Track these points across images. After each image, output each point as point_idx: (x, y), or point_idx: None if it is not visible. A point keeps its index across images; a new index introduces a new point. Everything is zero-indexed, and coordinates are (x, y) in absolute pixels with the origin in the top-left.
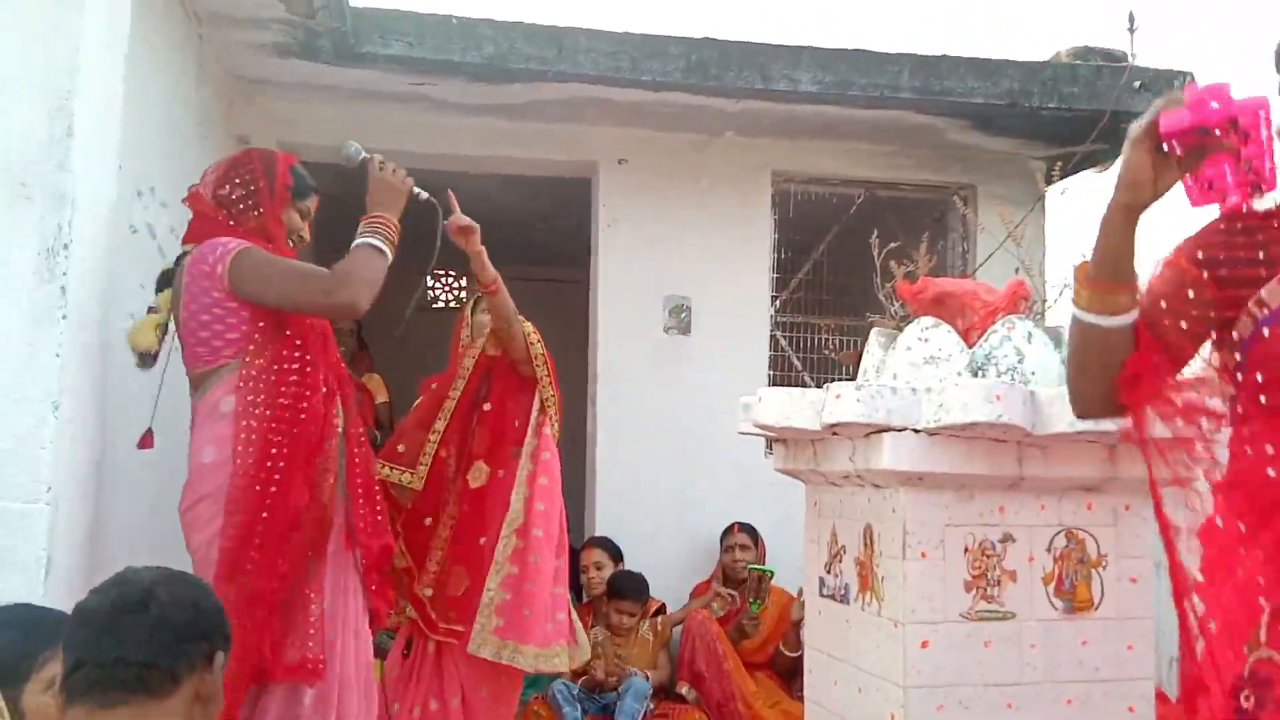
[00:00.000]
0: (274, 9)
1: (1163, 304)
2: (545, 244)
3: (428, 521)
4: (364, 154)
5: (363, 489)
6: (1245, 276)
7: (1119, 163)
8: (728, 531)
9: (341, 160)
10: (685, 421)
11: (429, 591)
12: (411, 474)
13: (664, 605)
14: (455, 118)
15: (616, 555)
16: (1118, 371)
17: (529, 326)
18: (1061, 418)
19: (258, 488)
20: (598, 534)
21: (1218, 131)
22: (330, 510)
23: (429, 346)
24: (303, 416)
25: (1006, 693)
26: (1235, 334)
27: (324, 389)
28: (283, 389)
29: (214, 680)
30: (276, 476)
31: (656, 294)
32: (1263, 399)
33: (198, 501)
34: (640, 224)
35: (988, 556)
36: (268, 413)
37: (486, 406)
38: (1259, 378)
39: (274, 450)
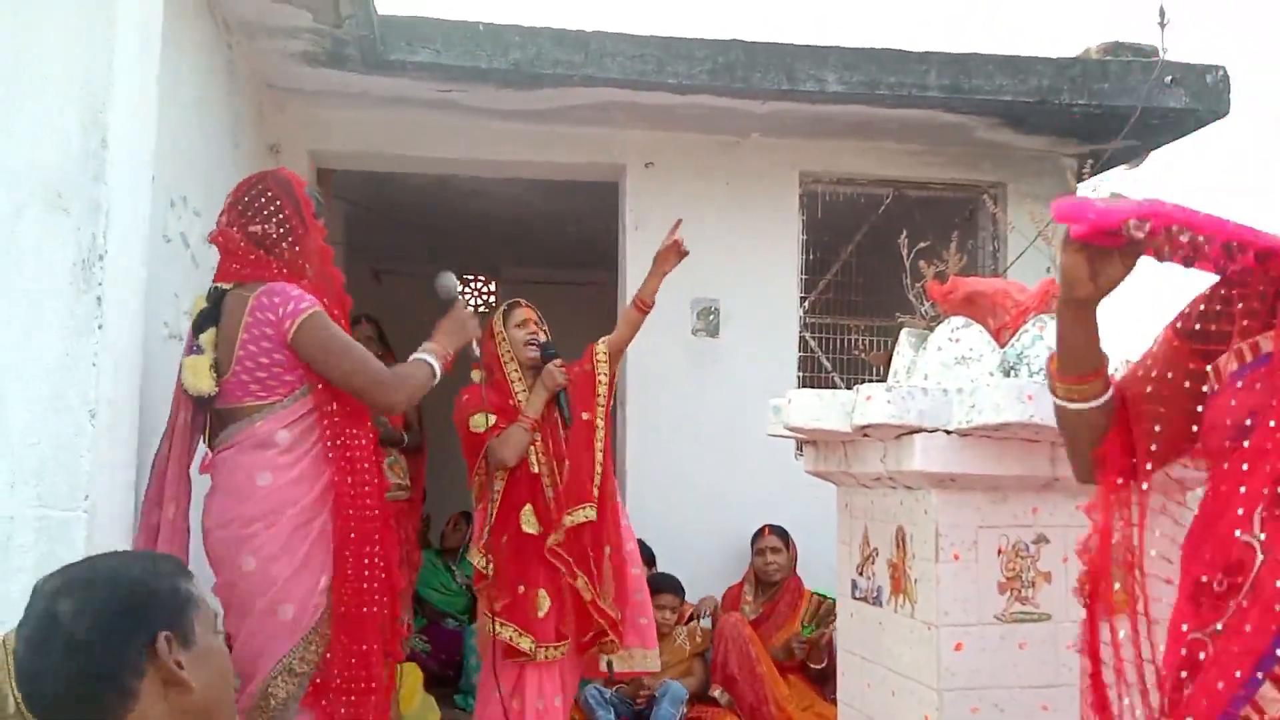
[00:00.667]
0: (303, 18)
1: (1148, 376)
2: (574, 247)
3: (607, 550)
4: (457, 293)
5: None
6: (1219, 346)
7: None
8: (759, 534)
9: (436, 289)
10: (715, 424)
11: (617, 613)
12: (591, 506)
13: (698, 610)
14: (483, 122)
15: (649, 558)
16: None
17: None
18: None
19: (362, 511)
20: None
21: (1134, 229)
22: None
23: None
24: (363, 442)
25: (1041, 695)
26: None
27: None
28: (339, 421)
29: (169, 665)
30: (370, 498)
31: (685, 296)
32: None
33: (251, 521)
34: (668, 226)
35: (1021, 558)
36: (338, 442)
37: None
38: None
39: (365, 475)
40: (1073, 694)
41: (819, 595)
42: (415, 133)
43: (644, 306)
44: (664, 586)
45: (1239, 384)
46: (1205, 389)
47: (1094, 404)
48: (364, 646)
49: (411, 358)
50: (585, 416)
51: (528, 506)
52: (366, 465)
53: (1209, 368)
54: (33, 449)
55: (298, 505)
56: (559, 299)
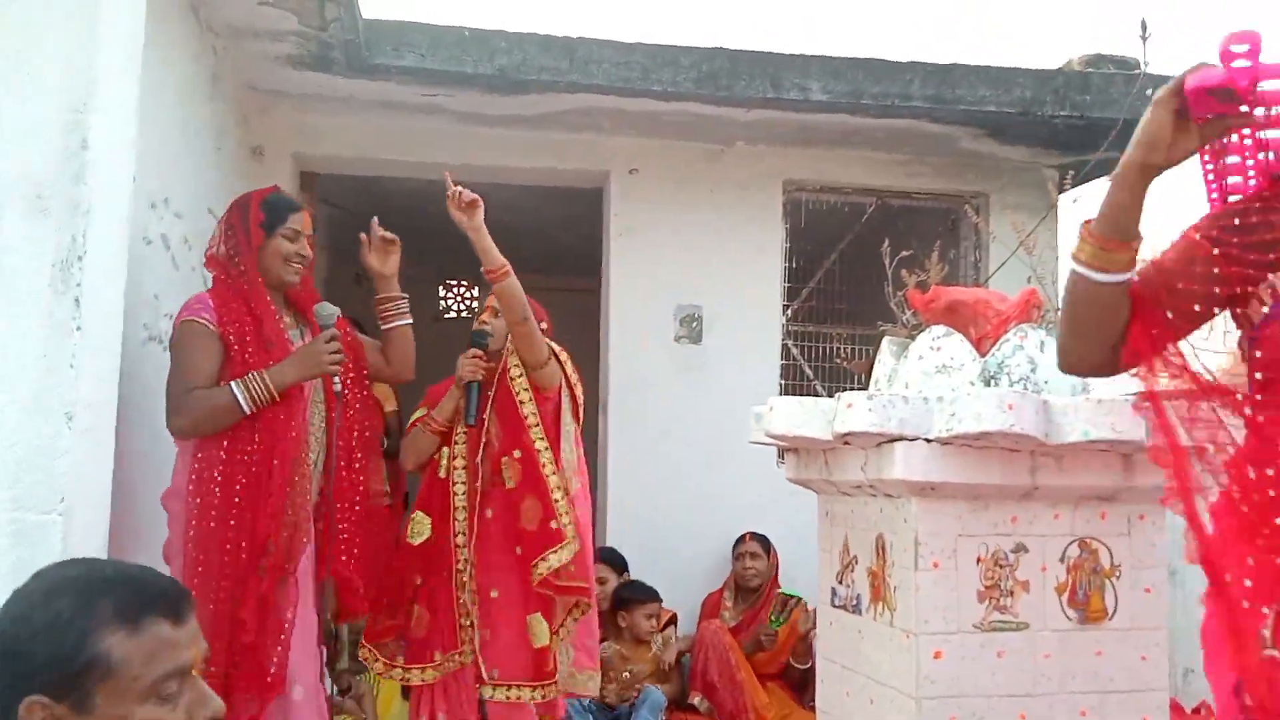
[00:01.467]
0: (288, 21)
1: (1168, 275)
2: (558, 253)
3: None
4: (330, 322)
5: (345, 503)
6: (1256, 258)
7: (1141, 122)
8: (739, 540)
9: (315, 315)
10: (697, 430)
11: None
12: (564, 546)
13: (675, 615)
14: (468, 127)
15: (620, 567)
16: (1109, 331)
17: (565, 356)
18: (1075, 427)
19: (216, 524)
20: (607, 544)
21: (1241, 99)
22: (301, 533)
23: (437, 356)
24: (261, 449)
25: (1020, 704)
26: (1249, 316)
27: (294, 422)
28: (240, 432)
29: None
30: (235, 514)
31: (668, 303)
32: (1266, 381)
33: (167, 500)
34: (652, 233)
35: (1000, 567)
36: (222, 455)
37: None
38: (1267, 361)
39: (237, 487)
40: (1050, 702)
41: (784, 593)
42: (400, 137)
43: (492, 276)
44: (647, 595)
45: None
46: (1251, 302)
47: (1116, 277)
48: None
49: (234, 382)
50: (517, 455)
51: (418, 513)
52: (220, 489)
53: (1262, 286)
54: (9, 451)
55: (186, 506)
56: (543, 304)
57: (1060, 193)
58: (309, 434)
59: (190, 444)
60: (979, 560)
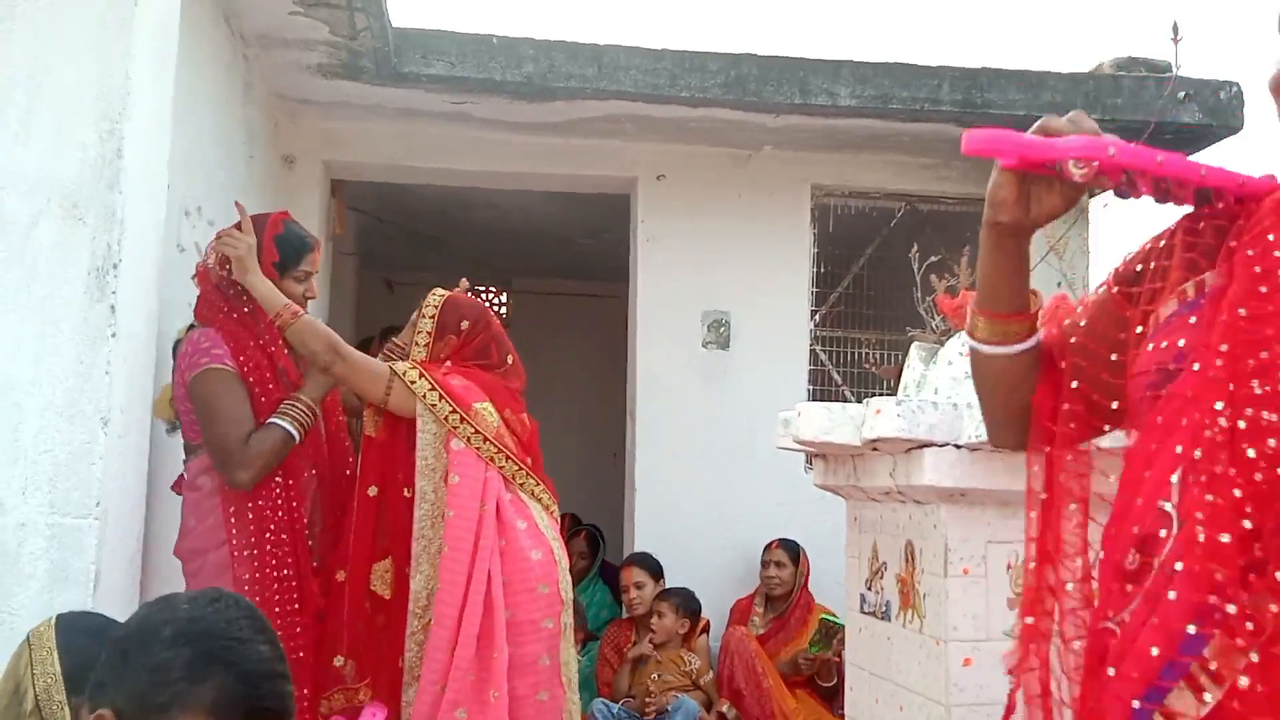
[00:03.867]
0: (318, 30)
1: (1075, 325)
2: (586, 259)
3: None
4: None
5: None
6: (1147, 292)
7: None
8: (767, 547)
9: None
10: (725, 436)
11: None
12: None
13: (708, 623)
14: (497, 134)
15: (657, 572)
16: (1019, 404)
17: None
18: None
19: (260, 573)
20: (637, 550)
21: (1074, 169)
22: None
23: None
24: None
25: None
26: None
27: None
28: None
29: None
30: (277, 560)
31: (695, 309)
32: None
33: (187, 557)
34: (679, 239)
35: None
36: (230, 507)
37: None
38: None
39: (269, 530)
40: None
41: (828, 619)
42: (429, 144)
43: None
44: (670, 594)
45: (1173, 322)
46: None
47: (1015, 348)
48: None
49: (269, 420)
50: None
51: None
52: (268, 534)
53: (1149, 318)
54: (46, 455)
55: (215, 552)
56: (570, 310)
57: (1090, 197)
58: (323, 449)
59: (210, 498)
60: (1009, 567)
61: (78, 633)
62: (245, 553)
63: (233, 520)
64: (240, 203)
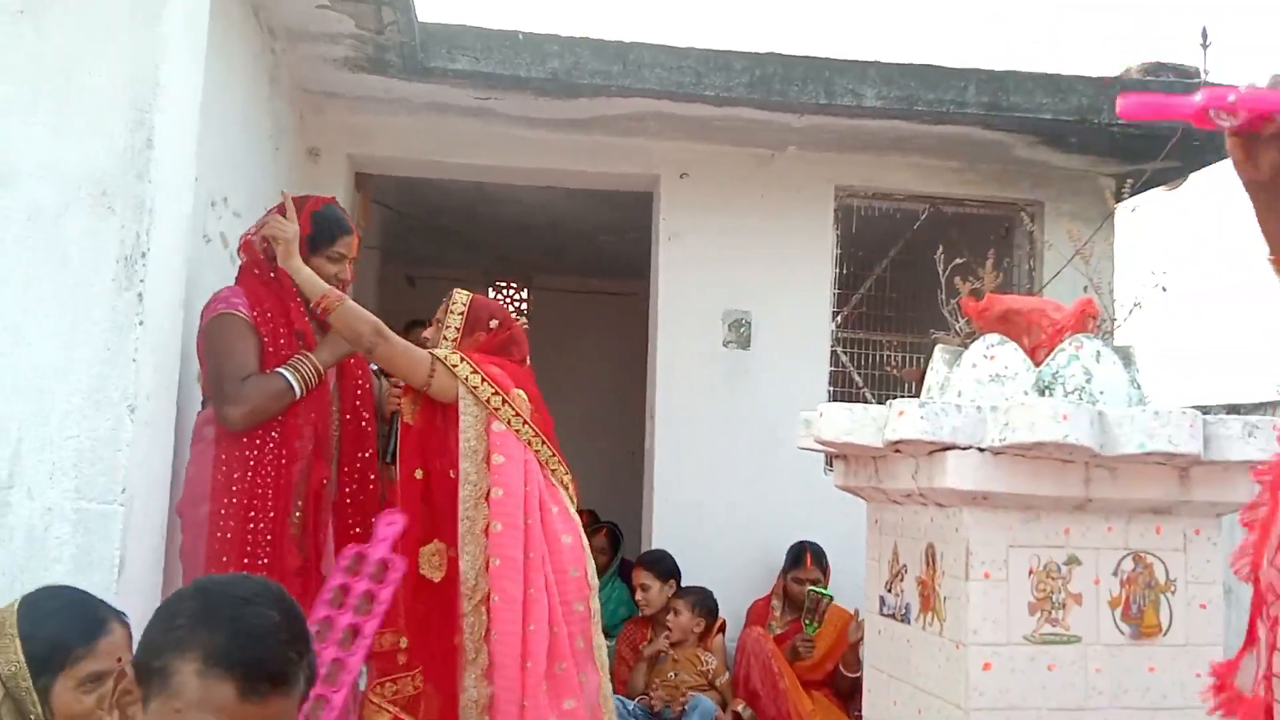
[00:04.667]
0: (345, 24)
1: None
2: (607, 256)
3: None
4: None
5: (353, 499)
6: None
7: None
8: (799, 556)
9: None
10: (745, 436)
11: None
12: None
13: (724, 622)
14: (520, 130)
15: (665, 574)
16: None
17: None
18: (1131, 439)
19: (241, 520)
20: (654, 549)
21: (1222, 116)
22: (325, 518)
23: None
24: (284, 435)
25: (1070, 717)
26: None
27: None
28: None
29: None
30: (258, 503)
31: (716, 308)
32: None
33: (185, 504)
34: (701, 238)
35: (1052, 579)
36: (248, 453)
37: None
38: None
39: (267, 479)
40: (1103, 716)
41: (815, 591)
42: (453, 139)
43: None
44: (685, 593)
45: None
46: None
47: None
48: None
49: (273, 370)
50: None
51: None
52: (256, 486)
53: None
54: (73, 442)
55: (208, 504)
56: (590, 308)
57: (1117, 201)
58: (331, 421)
59: (210, 448)
60: (1030, 571)
61: (44, 614)
62: (228, 500)
63: (222, 466)
64: (285, 191)
